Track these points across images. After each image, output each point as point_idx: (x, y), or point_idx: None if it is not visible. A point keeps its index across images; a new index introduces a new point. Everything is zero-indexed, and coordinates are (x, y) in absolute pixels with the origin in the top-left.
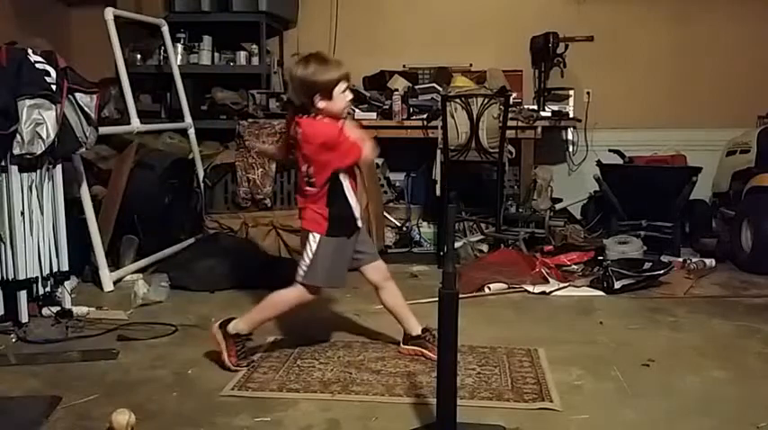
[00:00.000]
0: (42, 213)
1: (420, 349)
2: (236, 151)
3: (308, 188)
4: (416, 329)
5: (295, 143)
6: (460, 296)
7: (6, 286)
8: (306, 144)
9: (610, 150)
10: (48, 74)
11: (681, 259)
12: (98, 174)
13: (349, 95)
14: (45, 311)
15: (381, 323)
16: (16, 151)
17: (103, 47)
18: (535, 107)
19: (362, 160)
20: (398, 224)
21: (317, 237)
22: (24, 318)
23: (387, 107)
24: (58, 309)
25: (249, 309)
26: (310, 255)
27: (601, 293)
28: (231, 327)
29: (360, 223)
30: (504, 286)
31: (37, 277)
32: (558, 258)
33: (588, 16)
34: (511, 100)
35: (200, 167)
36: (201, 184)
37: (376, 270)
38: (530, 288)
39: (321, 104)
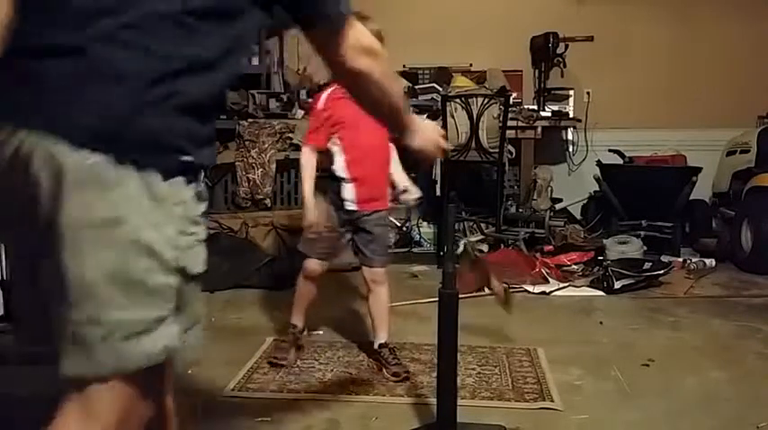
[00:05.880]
0: None
1: (377, 363)
2: (236, 151)
3: None
4: (378, 341)
5: None
6: (460, 296)
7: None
8: None
9: (610, 150)
10: None
11: (681, 259)
12: None
13: None
14: None
15: None
16: None
17: None
18: (535, 107)
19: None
20: (398, 224)
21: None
22: None
23: None
24: None
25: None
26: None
27: (601, 293)
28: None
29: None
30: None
31: None
32: (558, 258)
33: (588, 16)
34: (511, 100)
35: None
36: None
37: (372, 273)
38: (530, 288)
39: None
